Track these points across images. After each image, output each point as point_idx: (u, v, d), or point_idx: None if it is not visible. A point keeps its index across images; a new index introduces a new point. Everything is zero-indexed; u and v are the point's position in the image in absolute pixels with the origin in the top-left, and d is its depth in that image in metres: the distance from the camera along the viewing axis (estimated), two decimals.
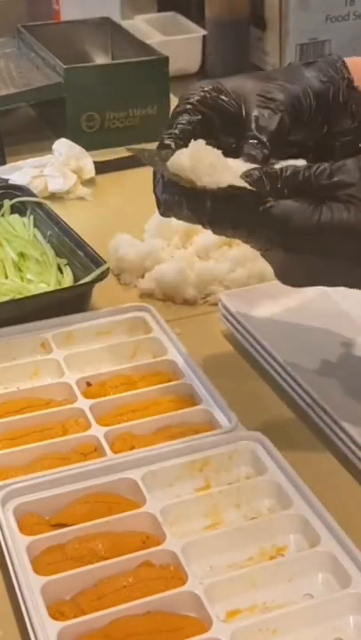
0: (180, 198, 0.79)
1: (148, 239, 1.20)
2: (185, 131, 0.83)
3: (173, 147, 0.81)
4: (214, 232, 0.80)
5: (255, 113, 0.83)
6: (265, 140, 0.81)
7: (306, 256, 0.77)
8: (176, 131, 0.83)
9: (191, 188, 0.77)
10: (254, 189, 0.76)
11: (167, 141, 0.82)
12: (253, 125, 0.82)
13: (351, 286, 0.82)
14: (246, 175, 0.77)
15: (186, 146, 0.79)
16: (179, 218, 0.81)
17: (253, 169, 0.78)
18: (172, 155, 0.79)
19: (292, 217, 0.75)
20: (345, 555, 0.76)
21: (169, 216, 0.82)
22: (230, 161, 0.79)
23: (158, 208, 0.82)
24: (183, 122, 0.83)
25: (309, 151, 0.86)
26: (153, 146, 0.86)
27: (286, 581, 0.76)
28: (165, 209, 0.81)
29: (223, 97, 0.85)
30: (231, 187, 0.76)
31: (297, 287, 0.84)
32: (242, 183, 0.77)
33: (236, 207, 0.77)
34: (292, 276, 0.81)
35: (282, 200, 0.76)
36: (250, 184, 0.76)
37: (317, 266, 0.78)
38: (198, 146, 0.78)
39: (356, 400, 0.93)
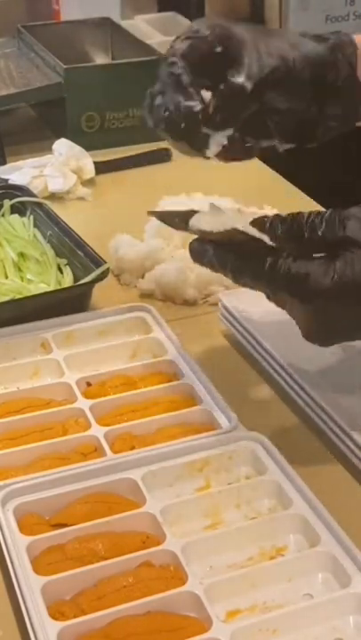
0: (205, 247, 0.81)
1: (147, 239, 1.20)
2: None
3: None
4: (237, 283, 0.81)
5: (246, 60, 0.84)
6: (249, 87, 0.83)
7: (328, 313, 0.77)
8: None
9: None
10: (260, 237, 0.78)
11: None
12: (244, 70, 0.83)
13: None
14: (254, 222, 0.78)
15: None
16: (204, 266, 0.83)
17: (262, 217, 0.78)
18: (190, 216, 0.83)
19: (308, 274, 0.75)
20: (345, 555, 0.76)
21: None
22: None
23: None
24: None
25: (288, 132, 0.87)
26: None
27: (286, 581, 0.76)
28: (193, 257, 0.83)
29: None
30: (236, 230, 0.78)
31: (325, 346, 0.82)
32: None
33: (255, 262, 0.77)
34: (318, 334, 0.81)
35: (298, 260, 0.75)
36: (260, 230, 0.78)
37: (340, 320, 0.77)
38: (215, 210, 0.82)
39: (356, 400, 0.93)
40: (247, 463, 0.87)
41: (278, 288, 0.77)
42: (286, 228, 0.77)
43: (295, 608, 0.73)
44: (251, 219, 0.81)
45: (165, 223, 0.90)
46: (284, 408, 0.97)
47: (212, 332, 1.09)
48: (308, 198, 1.37)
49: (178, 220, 0.86)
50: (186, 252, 1.15)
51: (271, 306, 1.06)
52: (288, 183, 1.42)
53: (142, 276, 1.17)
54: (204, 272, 1.13)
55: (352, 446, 0.88)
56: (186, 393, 0.95)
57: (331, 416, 0.90)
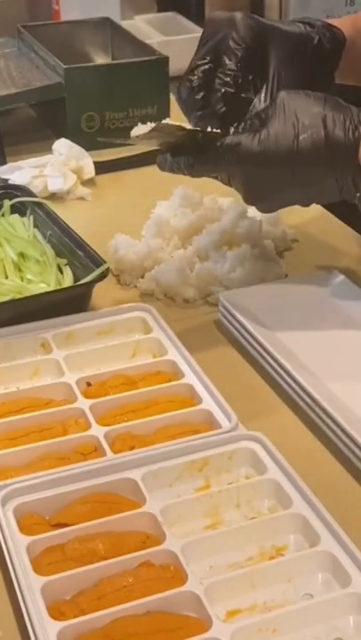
0: (165, 156, 0.97)
1: (147, 239, 1.20)
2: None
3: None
4: (195, 176, 0.98)
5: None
6: (233, 66, 0.99)
7: (258, 174, 0.93)
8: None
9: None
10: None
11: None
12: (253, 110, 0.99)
13: (299, 200, 0.98)
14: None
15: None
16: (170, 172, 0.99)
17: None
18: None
19: (239, 142, 0.92)
20: (345, 554, 0.76)
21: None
22: None
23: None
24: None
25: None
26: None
27: (286, 581, 0.76)
28: (159, 167, 1.00)
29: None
30: (190, 129, 0.95)
31: (265, 210, 1.00)
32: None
33: (200, 150, 0.94)
34: (253, 195, 0.97)
35: (231, 135, 0.94)
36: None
37: (267, 180, 0.94)
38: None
39: (356, 400, 0.93)
40: (247, 463, 0.87)
41: (221, 163, 0.94)
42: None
43: (295, 608, 0.73)
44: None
45: (111, 142, 1.08)
46: (284, 408, 0.97)
47: (212, 332, 1.09)
48: None
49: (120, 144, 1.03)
50: (185, 252, 1.16)
51: (271, 306, 1.07)
52: None
53: (142, 276, 1.17)
54: (205, 272, 1.14)
55: (352, 446, 0.88)
56: (186, 393, 0.95)
57: (331, 416, 0.90)
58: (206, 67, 1.00)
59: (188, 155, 0.95)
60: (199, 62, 1.00)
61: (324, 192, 0.95)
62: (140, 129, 0.95)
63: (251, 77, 0.99)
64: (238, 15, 1.01)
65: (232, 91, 0.98)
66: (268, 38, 1.01)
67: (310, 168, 0.93)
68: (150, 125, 0.94)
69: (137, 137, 0.95)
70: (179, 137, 0.94)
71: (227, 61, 0.99)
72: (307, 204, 0.99)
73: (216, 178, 1.00)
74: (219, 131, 0.95)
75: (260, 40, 1.00)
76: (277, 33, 1.02)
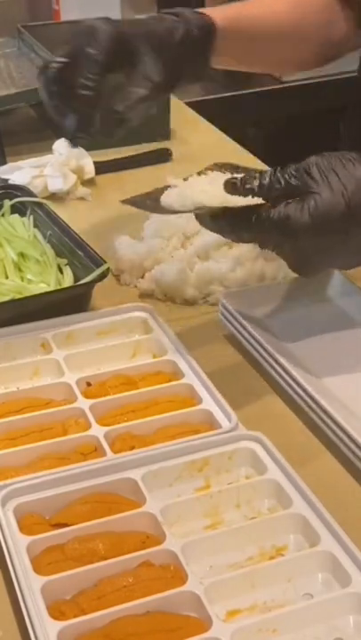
0: (204, 218, 0.92)
1: (147, 239, 1.20)
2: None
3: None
4: (237, 242, 0.98)
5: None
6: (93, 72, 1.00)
7: (309, 245, 0.88)
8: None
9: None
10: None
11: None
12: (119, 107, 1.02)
13: (349, 264, 0.95)
14: (230, 186, 0.89)
15: None
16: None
17: (231, 181, 0.90)
18: (159, 194, 0.94)
19: (288, 217, 0.87)
20: (345, 554, 0.76)
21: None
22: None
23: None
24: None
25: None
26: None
27: (286, 581, 0.76)
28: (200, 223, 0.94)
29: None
30: (226, 208, 0.89)
31: (311, 276, 0.95)
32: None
33: (239, 222, 0.90)
34: (301, 265, 0.92)
35: (275, 208, 0.88)
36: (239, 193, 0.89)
37: (319, 249, 0.89)
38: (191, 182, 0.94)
39: (356, 400, 0.93)
40: (247, 463, 0.87)
41: (267, 235, 0.89)
42: (259, 184, 0.89)
43: (295, 608, 0.73)
44: (209, 186, 0.93)
45: (140, 208, 0.97)
46: (284, 408, 0.97)
47: (212, 332, 1.09)
48: None
49: (149, 201, 0.94)
50: (185, 252, 1.16)
51: (271, 306, 1.07)
52: None
53: (142, 276, 1.17)
54: (205, 272, 1.14)
55: (352, 446, 0.88)
56: (186, 393, 0.95)
57: (331, 416, 0.90)
58: (61, 65, 1.01)
59: (229, 223, 0.90)
60: (57, 60, 1.02)
61: None
62: (170, 195, 0.93)
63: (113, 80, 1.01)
64: (97, 23, 1.04)
65: (90, 94, 1.00)
66: (130, 41, 1.02)
67: None
68: (179, 190, 0.92)
69: (168, 206, 0.92)
70: (219, 208, 0.90)
71: (87, 67, 1.00)
72: (356, 266, 0.96)
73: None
74: (260, 201, 0.89)
75: (121, 45, 1.02)
76: (141, 33, 1.03)
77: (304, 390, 0.94)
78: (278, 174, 0.88)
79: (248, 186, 0.88)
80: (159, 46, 1.03)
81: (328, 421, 0.91)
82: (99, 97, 1.00)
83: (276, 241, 0.89)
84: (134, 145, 1.53)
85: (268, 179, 0.88)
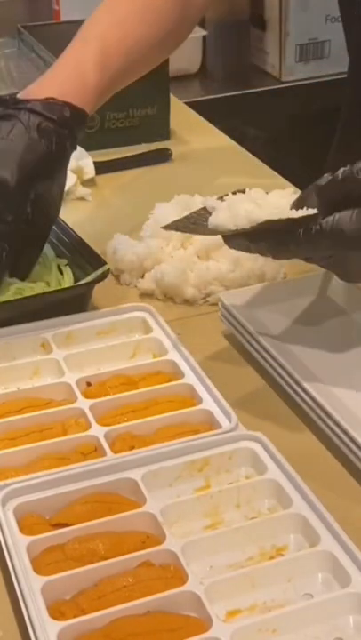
0: (241, 241, 0.87)
1: (147, 239, 1.19)
2: None
3: None
4: (277, 258, 0.91)
5: None
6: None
7: None
8: None
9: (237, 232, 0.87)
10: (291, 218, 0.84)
11: None
12: None
13: None
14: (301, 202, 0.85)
15: None
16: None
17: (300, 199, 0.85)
18: (204, 217, 0.91)
19: (342, 227, 0.82)
20: (345, 554, 0.76)
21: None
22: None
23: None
24: None
25: None
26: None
27: (286, 581, 0.76)
28: (233, 248, 0.90)
29: None
30: (267, 221, 0.84)
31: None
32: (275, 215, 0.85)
33: (286, 238, 0.84)
34: (352, 274, 0.89)
35: (326, 217, 0.83)
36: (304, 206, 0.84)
37: None
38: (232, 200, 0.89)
39: (357, 400, 0.94)
40: (247, 463, 0.87)
41: (319, 249, 0.85)
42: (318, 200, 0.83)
43: (295, 608, 0.73)
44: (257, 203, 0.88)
45: (183, 232, 0.96)
46: (284, 408, 0.97)
47: (212, 332, 1.09)
48: None
49: (193, 224, 0.91)
50: (185, 252, 1.16)
51: (271, 306, 1.07)
52: (288, 183, 1.42)
53: (142, 276, 1.17)
54: (205, 272, 1.14)
55: (352, 446, 0.88)
56: (186, 393, 0.95)
57: (331, 416, 0.90)
58: None
59: (272, 241, 0.86)
60: None
61: None
62: (219, 216, 0.88)
63: None
64: None
65: None
66: None
67: None
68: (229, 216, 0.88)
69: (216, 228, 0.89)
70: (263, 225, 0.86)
71: None
72: None
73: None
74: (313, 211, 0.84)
75: None
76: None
77: (304, 390, 0.94)
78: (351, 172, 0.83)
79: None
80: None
81: (328, 421, 0.91)
82: None
83: (328, 252, 0.85)
84: (134, 145, 1.53)
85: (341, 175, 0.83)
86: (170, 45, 1.23)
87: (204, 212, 0.93)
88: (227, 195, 0.95)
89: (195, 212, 0.94)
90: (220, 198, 0.92)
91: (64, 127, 1.02)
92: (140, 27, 1.14)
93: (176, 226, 0.96)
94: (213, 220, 0.89)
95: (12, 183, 0.99)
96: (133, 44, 1.13)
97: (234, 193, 0.94)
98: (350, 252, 0.84)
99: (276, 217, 0.84)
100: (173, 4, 1.17)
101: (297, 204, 0.85)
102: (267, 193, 0.91)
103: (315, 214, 0.83)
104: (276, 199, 0.89)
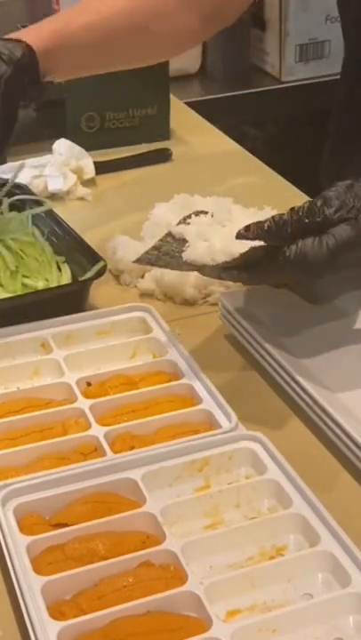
0: (215, 271, 0.92)
1: (146, 239, 1.19)
2: None
3: None
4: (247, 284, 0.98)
5: None
6: None
7: (327, 279, 0.89)
8: None
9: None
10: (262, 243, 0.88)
11: None
12: None
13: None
14: (245, 232, 0.88)
15: None
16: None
17: (248, 226, 0.88)
18: (171, 244, 0.96)
19: (306, 255, 0.87)
20: (345, 554, 0.76)
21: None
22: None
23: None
24: None
25: None
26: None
27: (286, 581, 0.76)
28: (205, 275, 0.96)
29: None
30: (241, 255, 0.89)
31: (326, 304, 0.96)
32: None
33: (256, 267, 0.90)
34: (319, 297, 0.93)
35: (291, 245, 0.87)
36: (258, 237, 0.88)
37: (339, 281, 0.90)
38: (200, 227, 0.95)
39: (356, 400, 0.93)
40: (247, 463, 0.87)
41: (286, 276, 0.90)
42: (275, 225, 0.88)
43: (295, 608, 0.73)
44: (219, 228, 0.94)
45: (159, 266, 0.99)
46: (284, 408, 0.97)
47: (212, 332, 1.09)
48: (309, 198, 1.37)
49: (166, 255, 0.95)
50: (185, 252, 1.16)
51: (271, 306, 1.07)
52: (288, 183, 1.42)
53: (142, 276, 1.17)
54: None
55: (352, 446, 0.88)
56: (186, 393, 0.95)
57: (331, 416, 0.90)
58: None
59: (242, 270, 0.91)
60: None
61: None
62: (196, 251, 0.93)
63: None
64: None
65: None
66: None
67: None
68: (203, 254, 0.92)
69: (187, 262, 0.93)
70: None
71: None
72: None
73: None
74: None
75: None
76: None
77: (304, 390, 0.94)
78: (293, 216, 0.87)
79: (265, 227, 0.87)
80: None
81: (328, 421, 0.91)
82: None
83: (294, 278, 0.90)
84: (134, 145, 1.53)
85: (282, 221, 0.87)
86: (160, 35, 1.22)
87: (172, 240, 0.96)
88: (190, 217, 0.96)
89: (162, 241, 0.98)
90: (185, 220, 0.94)
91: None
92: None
93: (148, 259, 0.98)
94: (190, 255, 0.93)
95: None
96: (101, 18, 1.16)
97: (197, 214, 0.97)
98: (315, 279, 0.89)
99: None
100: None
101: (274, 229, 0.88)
102: (228, 211, 0.93)
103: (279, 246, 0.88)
104: (241, 218, 0.92)
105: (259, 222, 0.88)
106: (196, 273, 1.13)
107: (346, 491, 0.87)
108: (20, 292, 1.10)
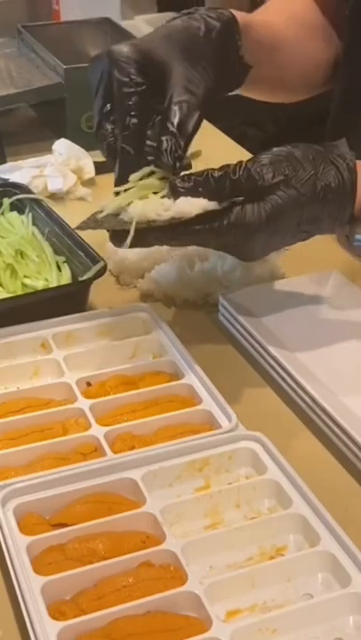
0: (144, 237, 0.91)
1: None
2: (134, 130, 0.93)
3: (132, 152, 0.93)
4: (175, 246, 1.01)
5: (175, 110, 0.92)
6: (182, 143, 0.93)
7: (263, 241, 0.93)
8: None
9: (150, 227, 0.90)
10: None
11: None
12: (174, 121, 0.92)
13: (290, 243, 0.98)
14: (182, 182, 0.90)
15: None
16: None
17: (186, 177, 0.91)
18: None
19: (245, 220, 0.90)
20: (345, 554, 0.76)
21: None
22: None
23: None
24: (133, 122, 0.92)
25: None
26: None
27: (286, 581, 0.76)
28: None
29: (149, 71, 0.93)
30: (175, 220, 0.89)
31: (256, 260, 1.01)
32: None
33: (196, 232, 0.90)
34: (253, 255, 0.97)
35: (233, 210, 0.90)
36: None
37: (270, 242, 0.95)
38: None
39: (356, 400, 0.94)
40: (247, 463, 0.87)
41: (224, 239, 0.92)
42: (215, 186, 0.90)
43: (295, 608, 0.73)
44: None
45: (98, 228, 0.95)
46: (284, 408, 0.97)
47: (212, 332, 1.09)
48: None
49: (104, 220, 0.94)
50: (185, 252, 1.16)
51: (271, 306, 1.07)
52: None
53: (142, 277, 1.17)
54: (205, 272, 1.14)
55: (352, 446, 0.88)
56: (186, 393, 0.95)
57: (331, 416, 0.90)
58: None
59: (175, 232, 0.90)
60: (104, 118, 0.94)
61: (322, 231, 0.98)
62: (137, 206, 0.91)
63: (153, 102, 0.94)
64: (115, 51, 0.95)
65: (136, 127, 0.92)
66: (156, 54, 0.94)
67: (316, 224, 0.95)
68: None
69: (103, 217, 0.93)
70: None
71: (122, 100, 0.92)
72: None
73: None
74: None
75: (146, 65, 0.93)
76: (162, 45, 0.94)
77: (304, 390, 0.94)
78: (231, 176, 0.90)
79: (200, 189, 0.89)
80: (186, 50, 0.94)
81: (328, 421, 0.91)
82: (143, 130, 0.93)
83: (231, 242, 0.92)
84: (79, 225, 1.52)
85: (222, 181, 0.89)
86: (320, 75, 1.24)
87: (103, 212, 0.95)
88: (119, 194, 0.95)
89: (96, 212, 0.96)
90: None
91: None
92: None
93: (87, 225, 0.96)
94: (133, 210, 0.91)
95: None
96: (281, 37, 1.12)
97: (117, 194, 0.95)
98: (251, 242, 0.92)
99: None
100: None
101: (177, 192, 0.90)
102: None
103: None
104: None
105: (196, 174, 0.90)
106: (195, 273, 1.14)
107: (346, 491, 0.87)
108: (20, 292, 1.10)
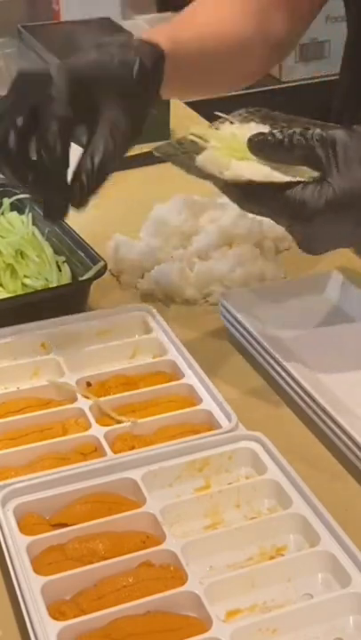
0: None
1: (146, 239, 1.19)
2: None
3: None
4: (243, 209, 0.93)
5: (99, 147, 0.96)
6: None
7: (322, 228, 0.88)
8: None
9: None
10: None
11: None
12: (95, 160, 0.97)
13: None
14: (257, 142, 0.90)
15: None
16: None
17: (259, 137, 0.90)
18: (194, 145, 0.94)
19: (305, 201, 0.86)
20: (345, 554, 0.76)
21: None
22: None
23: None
24: None
25: None
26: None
27: (286, 581, 0.76)
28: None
29: None
30: (250, 181, 0.87)
31: (318, 254, 0.93)
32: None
33: (257, 198, 0.89)
34: (311, 246, 0.91)
35: (292, 190, 0.87)
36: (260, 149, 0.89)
37: (331, 234, 0.89)
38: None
39: (356, 400, 0.94)
40: (247, 463, 0.87)
41: (281, 215, 0.89)
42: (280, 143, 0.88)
43: (295, 608, 0.73)
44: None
45: (174, 163, 0.95)
46: (284, 408, 0.97)
47: (212, 332, 1.09)
48: None
49: (184, 157, 0.93)
50: (185, 252, 1.16)
51: (271, 306, 1.07)
52: None
53: (142, 276, 1.17)
54: (205, 272, 1.14)
55: (352, 446, 0.88)
56: (186, 393, 0.95)
57: (331, 416, 0.90)
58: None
59: (248, 197, 0.89)
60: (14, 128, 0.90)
61: None
62: (208, 158, 0.91)
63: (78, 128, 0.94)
64: (53, 71, 0.92)
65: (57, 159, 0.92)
66: (90, 85, 0.93)
67: None
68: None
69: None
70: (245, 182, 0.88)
71: (47, 126, 0.90)
72: None
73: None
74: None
75: (81, 92, 0.92)
76: (98, 74, 0.95)
77: (304, 390, 0.94)
78: (302, 138, 0.87)
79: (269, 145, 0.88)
80: (120, 87, 0.93)
81: (328, 421, 0.91)
82: (65, 161, 0.92)
83: (290, 222, 0.89)
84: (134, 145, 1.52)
85: (289, 140, 0.87)
86: (248, 64, 1.20)
87: (195, 140, 0.94)
88: (222, 122, 0.97)
89: (186, 140, 0.95)
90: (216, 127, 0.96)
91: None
92: (214, 27, 1.12)
93: (168, 152, 0.95)
94: (202, 159, 0.91)
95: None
96: (207, 37, 1.10)
97: (223, 122, 0.98)
98: (310, 226, 0.87)
99: (256, 177, 0.88)
100: (248, 19, 1.15)
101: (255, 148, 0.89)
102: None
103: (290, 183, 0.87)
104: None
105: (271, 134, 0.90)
106: (195, 273, 1.14)
107: (346, 491, 0.87)
108: (20, 292, 1.10)
